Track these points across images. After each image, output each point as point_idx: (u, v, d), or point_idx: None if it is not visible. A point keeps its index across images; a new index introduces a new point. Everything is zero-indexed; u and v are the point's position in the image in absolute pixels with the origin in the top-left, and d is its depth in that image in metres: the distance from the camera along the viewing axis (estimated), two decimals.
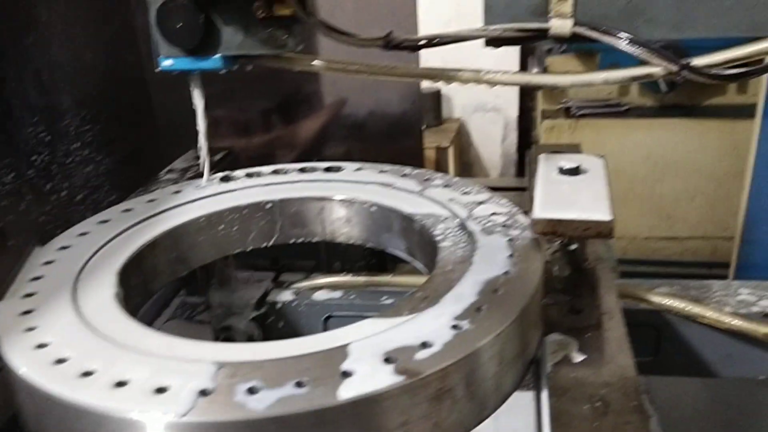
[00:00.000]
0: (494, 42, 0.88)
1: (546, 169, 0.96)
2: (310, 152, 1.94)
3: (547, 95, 3.62)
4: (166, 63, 0.95)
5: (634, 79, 0.85)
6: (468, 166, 4.76)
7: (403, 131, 1.89)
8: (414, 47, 0.88)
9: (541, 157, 1.01)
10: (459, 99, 4.65)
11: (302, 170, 1.09)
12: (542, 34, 0.86)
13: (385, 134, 1.93)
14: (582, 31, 0.85)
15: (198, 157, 1.43)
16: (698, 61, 0.81)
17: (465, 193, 0.97)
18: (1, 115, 1.08)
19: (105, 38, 1.36)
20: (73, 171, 1.23)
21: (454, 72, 0.90)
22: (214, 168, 1.11)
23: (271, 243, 1.02)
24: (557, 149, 1.29)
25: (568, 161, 0.95)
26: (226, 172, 1.09)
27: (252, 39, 0.91)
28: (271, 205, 1.01)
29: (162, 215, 0.96)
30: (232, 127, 1.86)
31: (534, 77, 0.91)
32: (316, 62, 0.94)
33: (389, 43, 0.88)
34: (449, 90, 4.50)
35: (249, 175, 1.09)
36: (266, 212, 1.01)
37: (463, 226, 0.89)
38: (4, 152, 1.07)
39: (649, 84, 3.20)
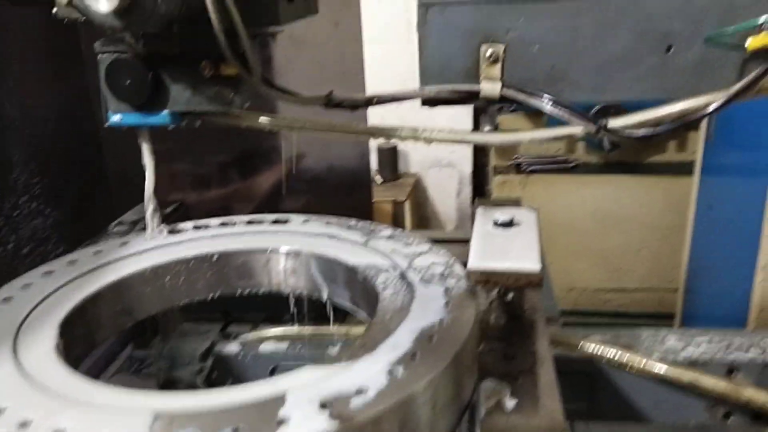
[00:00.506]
0: (429, 102, 0.93)
1: (482, 222, 1.01)
2: (266, 206, 1.97)
3: (500, 151, 3.75)
4: (115, 118, 0.98)
5: (557, 138, 0.92)
6: (425, 219, 4.84)
7: (355, 185, 1.94)
8: (354, 106, 0.93)
9: (479, 211, 1.06)
10: (415, 155, 4.76)
11: (250, 222, 1.12)
12: (474, 95, 0.92)
13: (338, 188, 1.97)
14: (510, 93, 0.91)
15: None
16: (614, 123, 0.87)
17: (407, 244, 1.01)
18: None
19: (57, 93, 1.38)
20: (20, 224, 1.23)
21: (392, 130, 0.95)
22: (165, 221, 1.13)
23: (217, 294, 1.03)
24: (498, 203, 1.35)
25: (502, 215, 1.00)
26: (174, 225, 1.11)
27: (199, 96, 0.95)
28: (218, 256, 1.03)
29: (107, 267, 0.97)
30: (188, 180, 1.88)
31: (466, 135, 0.96)
32: (262, 119, 0.98)
33: (330, 102, 0.93)
34: (406, 145, 4.61)
35: (197, 228, 1.11)
36: (213, 264, 1.03)
37: (403, 277, 0.92)
38: None
39: (593, 142, 3.35)
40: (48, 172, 1.28)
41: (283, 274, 1.04)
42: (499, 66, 0.90)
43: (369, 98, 0.93)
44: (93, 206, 1.42)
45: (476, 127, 4.03)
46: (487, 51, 0.89)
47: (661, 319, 3.60)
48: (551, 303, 1.26)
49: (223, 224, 1.12)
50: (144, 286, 0.97)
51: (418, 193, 4.71)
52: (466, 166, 4.70)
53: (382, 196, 4.31)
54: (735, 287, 2.72)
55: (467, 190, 4.75)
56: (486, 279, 0.87)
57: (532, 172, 3.61)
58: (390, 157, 4.53)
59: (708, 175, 3.00)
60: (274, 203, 1.91)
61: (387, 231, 1.06)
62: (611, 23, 0.87)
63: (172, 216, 1.43)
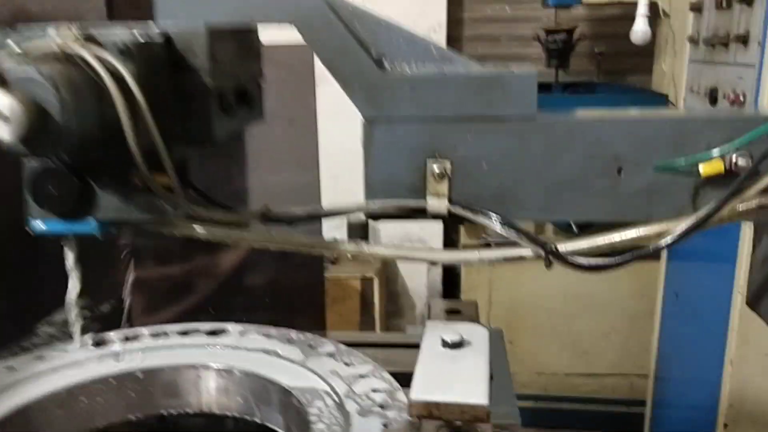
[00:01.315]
0: (374, 217, 0.89)
1: (430, 341, 0.95)
2: (226, 284, 1.91)
3: (469, 230, 3.72)
4: (38, 226, 0.92)
5: (507, 259, 0.87)
6: (394, 296, 4.77)
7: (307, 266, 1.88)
8: (292, 220, 0.88)
9: (428, 326, 1.00)
10: (386, 230, 4.72)
11: (184, 333, 1.04)
12: (421, 211, 0.87)
13: (288, 266, 1.91)
14: (458, 211, 0.87)
15: (86, 308, 1.37)
16: (564, 247, 0.83)
17: (348, 364, 0.95)
18: None
19: None
20: None
21: (335, 244, 0.90)
22: (100, 321, 1.05)
23: (142, 416, 0.95)
24: (452, 308, 1.30)
25: (451, 333, 0.94)
26: (100, 335, 1.03)
27: (130, 205, 0.89)
28: (143, 374, 0.95)
29: (17, 387, 0.89)
30: (146, 254, 1.80)
31: (413, 252, 0.91)
32: (198, 229, 0.93)
33: (265, 217, 0.88)
34: (377, 221, 4.58)
35: (126, 339, 1.03)
36: (137, 382, 0.95)
37: (340, 405, 0.85)
38: None
39: (561, 224, 3.34)
40: None
41: (214, 394, 0.96)
42: (446, 183, 0.86)
43: (309, 212, 0.88)
44: (23, 304, 1.34)
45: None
46: (434, 167, 0.86)
47: (631, 405, 3.51)
48: (512, 408, 1.19)
49: (154, 335, 1.04)
50: (56, 409, 0.89)
51: (389, 269, 4.66)
52: (437, 243, 4.67)
53: (351, 271, 4.24)
54: (705, 376, 2.67)
55: (438, 267, 4.71)
56: (429, 412, 0.80)
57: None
58: (360, 233, 4.48)
59: (675, 260, 2.99)
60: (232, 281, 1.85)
61: (328, 347, 0.99)
62: (560, 144, 0.84)
63: (111, 317, 1.35)
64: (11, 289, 1.31)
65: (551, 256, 0.82)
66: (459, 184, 0.87)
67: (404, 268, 4.75)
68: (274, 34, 0.99)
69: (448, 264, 0.95)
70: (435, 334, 0.97)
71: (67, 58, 0.63)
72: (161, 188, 0.79)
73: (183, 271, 1.77)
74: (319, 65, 0.86)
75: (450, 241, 4.62)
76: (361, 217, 0.90)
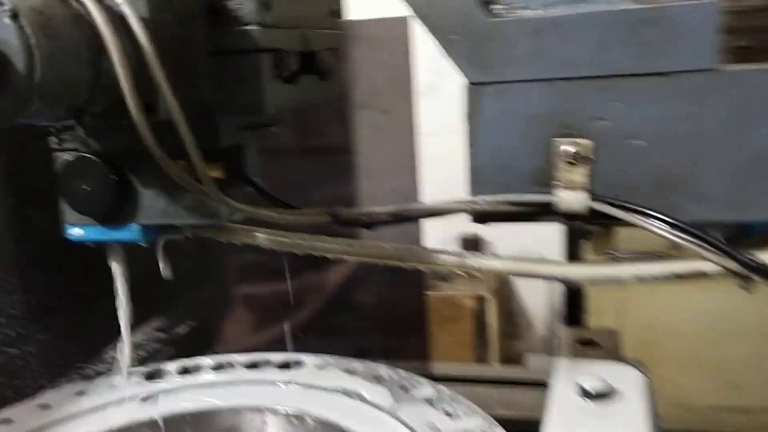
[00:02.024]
0: (483, 217, 0.65)
1: (562, 386, 0.70)
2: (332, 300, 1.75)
3: (595, 241, 3.37)
4: (75, 232, 0.76)
5: (680, 276, 0.61)
6: (511, 316, 4.45)
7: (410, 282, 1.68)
8: (370, 223, 0.67)
9: (557, 364, 0.75)
10: (502, 243, 4.43)
11: (252, 366, 0.85)
12: (546, 209, 0.63)
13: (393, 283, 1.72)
14: (602, 207, 0.62)
15: (161, 330, 1.22)
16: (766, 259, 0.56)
17: (449, 414, 0.71)
18: None
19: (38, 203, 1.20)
20: None
21: (432, 255, 0.68)
22: (176, 345, 0.89)
23: None
24: (585, 338, 1.03)
25: (591, 378, 0.68)
26: (154, 366, 0.86)
27: (176, 206, 0.71)
28: (196, 416, 0.77)
29: (49, 430, 0.73)
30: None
31: (536, 266, 0.67)
32: (260, 236, 0.74)
33: (337, 219, 0.67)
34: (490, 233, 4.30)
35: (184, 371, 0.85)
36: (189, 425, 0.77)
37: None
38: None
39: None
40: (31, 289, 1.08)
41: None
42: (584, 169, 0.62)
43: (393, 213, 0.66)
44: (85, 327, 1.20)
45: None
46: (567, 148, 0.62)
47: None
48: None
49: (217, 367, 0.86)
50: None
51: (504, 288, 4.36)
52: (557, 257, 4.32)
53: (464, 290, 3.98)
54: None
55: (558, 284, 4.36)
56: None
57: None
58: (474, 247, 4.22)
59: None
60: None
61: (426, 390, 0.76)
62: (756, 108, 0.58)
63: (187, 341, 1.20)
64: (79, 306, 1.18)
65: (755, 273, 0.55)
66: (603, 171, 0.62)
67: (522, 286, 4.43)
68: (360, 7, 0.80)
69: (586, 283, 0.74)
70: (568, 377, 0.72)
71: None
72: (190, 179, 0.60)
73: (269, 287, 1.61)
74: (417, 39, 0.65)
75: (572, 254, 4.26)
76: (467, 227, 0.68)
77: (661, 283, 0.60)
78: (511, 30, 0.61)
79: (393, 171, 1.54)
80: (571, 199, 0.62)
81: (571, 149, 0.62)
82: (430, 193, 1.85)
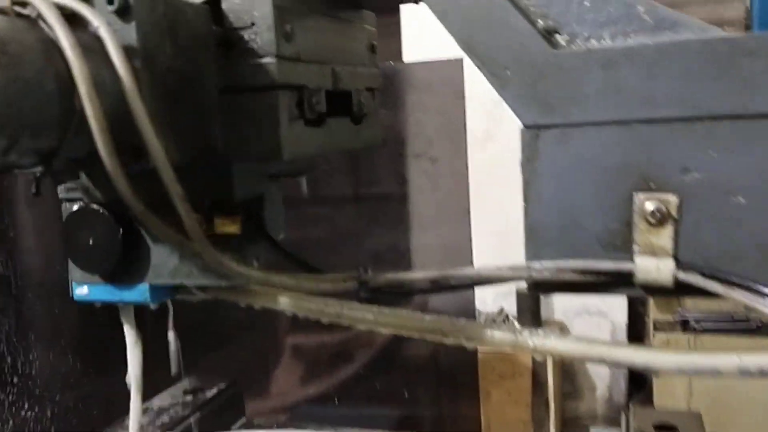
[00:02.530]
0: (541, 287, 0.54)
1: None
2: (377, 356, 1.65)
3: (660, 302, 3.16)
4: (81, 291, 0.68)
5: None
6: (570, 375, 4.22)
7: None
8: (403, 292, 0.57)
9: None
10: (560, 300, 4.24)
11: None
12: (623, 279, 0.52)
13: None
14: (690, 278, 0.50)
15: (189, 392, 1.14)
16: None
17: None
18: None
19: None
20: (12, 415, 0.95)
21: (480, 329, 0.57)
22: (199, 410, 0.80)
23: None
24: (663, 423, 0.89)
25: None
26: None
27: (189, 264, 0.63)
28: None
29: None
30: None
31: (606, 350, 0.55)
32: (282, 301, 0.64)
33: (366, 285, 0.57)
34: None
35: None
36: None
37: None
38: None
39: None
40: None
41: None
42: (669, 230, 0.50)
43: (432, 279, 0.56)
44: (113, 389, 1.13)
45: None
46: (647, 204, 0.50)
47: None
48: None
49: None
50: None
51: None
52: (620, 316, 4.09)
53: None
54: None
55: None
56: None
57: (703, 331, 2.97)
58: (531, 302, 4.04)
59: None
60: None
61: None
62: None
63: (216, 403, 1.11)
64: (104, 367, 1.11)
65: None
66: (692, 233, 0.51)
67: None
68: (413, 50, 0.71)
69: (671, 373, 0.63)
70: None
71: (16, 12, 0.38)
72: (179, 237, 0.52)
73: (310, 340, 1.52)
74: (471, 82, 0.56)
75: (636, 312, 4.03)
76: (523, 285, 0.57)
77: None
78: (577, 63, 0.51)
79: (445, 222, 1.45)
80: (653, 267, 0.51)
81: (653, 207, 0.51)
82: (483, 247, 1.75)
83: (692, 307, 2.93)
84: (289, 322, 1.77)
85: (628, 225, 0.52)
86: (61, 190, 0.67)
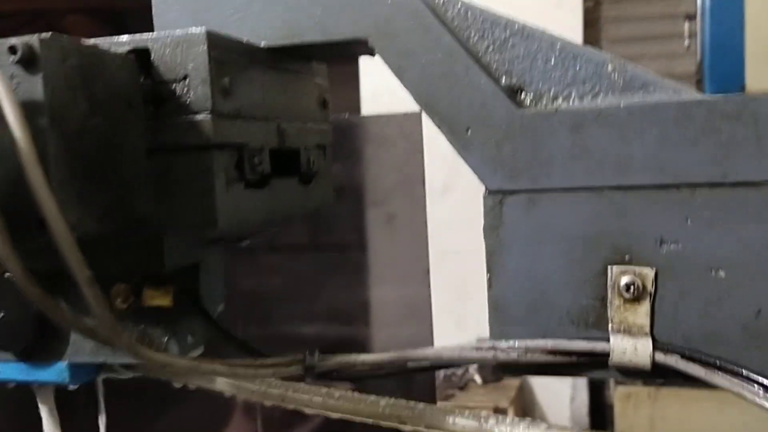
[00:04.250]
0: (507, 369, 0.49)
1: None
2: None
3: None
4: None
5: None
6: None
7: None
8: (355, 377, 0.50)
9: None
10: None
11: None
12: (595, 360, 0.47)
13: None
14: (669, 360, 0.45)
15: None
16: None
17: None
18: None
19: None
20: None
21: (440, 415, 0.51)
22: None
23: None
24: None
25: None
26: None
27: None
28: None
29: None
30: None
31: None
32: (220, 383, 0.57)
33: (311, 371, 0.51)
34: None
35: None
36: None
37: None
38: None
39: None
40: None
41: None
42: (646, 307, 0.46)
43: (387, 363, 0.50)
44: None
45: None
46: (622, 278, 0.46)
47: None
48: None
49: None
50: None
51: (524, 398, 4.07)
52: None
53: (482, 401, 3.73)
54: None
55: (583, 396, 4.06)
56: None
57: (665, 384, 2.94)
58: None
59: None
60: None
61: None
62: None
63: None
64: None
65: None
66: (671, 311, 0.46)
67: (542, 398, 4.14)
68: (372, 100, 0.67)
69: None
70: None
71: None
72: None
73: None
74: (429, 138, 0.51)
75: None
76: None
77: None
78: (544, 124, 0.47)
79: (404, 278, 1.40)
80: (630, 348, 0.46)
81: (627, 281, 0.46)
82: (443, 300, 1.69)
83: None
84: None
85: (602, 300, 0.47)
86: None
